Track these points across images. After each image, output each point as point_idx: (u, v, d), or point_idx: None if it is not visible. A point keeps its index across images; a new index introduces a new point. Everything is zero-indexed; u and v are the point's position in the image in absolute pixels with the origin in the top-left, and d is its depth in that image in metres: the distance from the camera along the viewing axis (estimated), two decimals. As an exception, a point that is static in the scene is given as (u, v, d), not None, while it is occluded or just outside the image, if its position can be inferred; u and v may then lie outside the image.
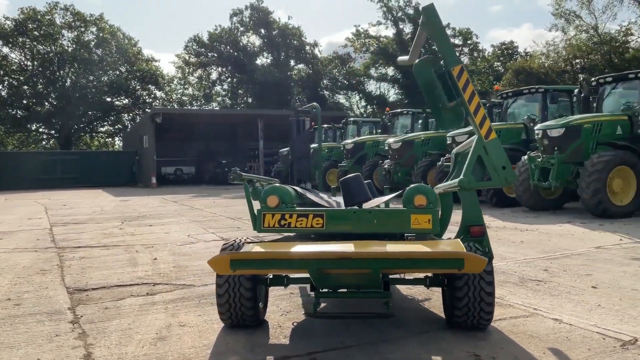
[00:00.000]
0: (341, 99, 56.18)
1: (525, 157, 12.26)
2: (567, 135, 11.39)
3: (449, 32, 52.12)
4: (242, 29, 51.89)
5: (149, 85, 53.71)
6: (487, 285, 4.25)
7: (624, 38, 42.82)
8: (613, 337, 4.19)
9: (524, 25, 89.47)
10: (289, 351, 4.02)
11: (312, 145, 11.51)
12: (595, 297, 5.34)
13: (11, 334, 4.53)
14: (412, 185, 4.22)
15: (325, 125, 26.46)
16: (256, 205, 4.64)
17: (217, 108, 52.47)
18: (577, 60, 45.14)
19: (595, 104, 12.75)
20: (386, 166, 16.92)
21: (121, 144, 54.90)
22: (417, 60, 4.45)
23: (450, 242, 3.85)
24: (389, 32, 52.21)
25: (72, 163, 34.73)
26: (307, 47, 52.89)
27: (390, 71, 52.68)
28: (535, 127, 12.34)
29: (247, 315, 4.41)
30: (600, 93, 12.69)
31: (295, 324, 4.71)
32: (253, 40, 53.18)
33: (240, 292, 4.29)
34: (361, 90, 54.22)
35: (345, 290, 3.76)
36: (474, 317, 4.27)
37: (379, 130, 22.61)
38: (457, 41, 52.78)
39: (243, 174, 4.50)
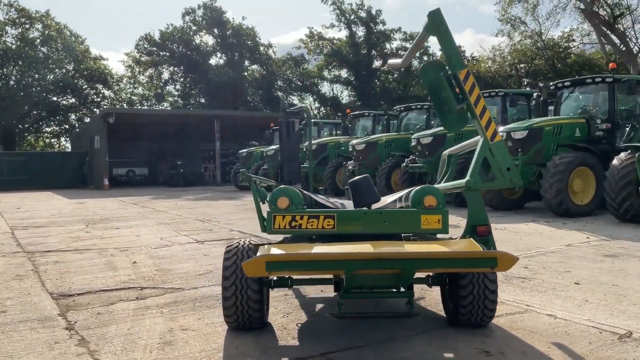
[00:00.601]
0: (295, 100, 56.13)
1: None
2: (530, 137, 11.80)
3: (399, 35, 52.96)
4: (194, 28, 51.12)
5: (97, 84, 52.16)
6: (491, 283, 4.38)
7: (566, 44, 44.67)
8: (608, 330, 4.39)
9: (466, 30, 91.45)
10: (302, 352, 4.03)
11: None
12: (580, 292, 5.57)
13: (6, 342, 4.36)
14: (419, 186, 4.29)
15: (283, 127, 26.39)
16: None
17: (169, 108, 51.47)
18: (522, 65, 46.76)
19: (553, 108, 13.27)
20: (350, 167, 17.07)
21: (68, 145, 53.21)
22: (423, 64, 4.53)
23: (463, 242, 3.95)
24: (342, 34, 52.52)
25: (19, 164, 33.36)
26: (262, 48, 52.61)
27: (344, 73, 53.05)
28: (499, 130, 12.70)
29: (254, 318, 4.39)
30: (559, 97, 13.20)
31: (299, 325, 4.72)
32: (206, 39, 52.52)
33: (248, 295, 4.27)
34: (315, 91, 54.36)
35: (370, 290, 3.79)
36: (477, 314, 4.39)
37: (339, 132, 22.75)
38: (408, 45, 53.60)
39: (252, 175, 4.48)
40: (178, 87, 52.84)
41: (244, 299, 4.28)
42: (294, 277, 4.73)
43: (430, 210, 4.09)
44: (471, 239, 4.01)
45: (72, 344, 4.30)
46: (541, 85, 13.88)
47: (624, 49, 36.18)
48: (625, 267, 6.64)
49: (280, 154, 6.34)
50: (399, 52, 53.35)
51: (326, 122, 24.42)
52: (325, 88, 55.83)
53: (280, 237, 5.24)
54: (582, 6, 37.38)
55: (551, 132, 11.94)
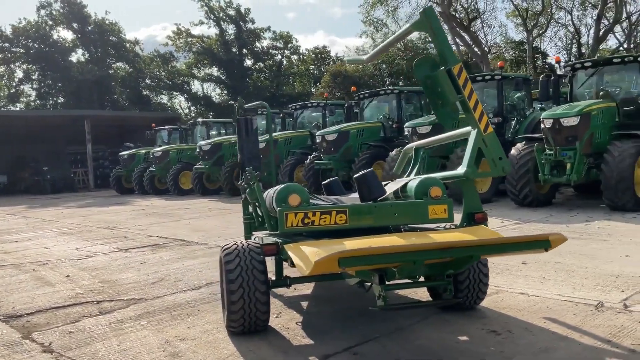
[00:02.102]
0: (165, 99, 54.22)
1: (394, 152, 13.17)
2: (434, 132, 12.46)
3: (269, 35, 53.24)
4: (51, 22, 47.16)
5: None
6: (484, 267, 4.65)
7: (424, 45, 47.65)
8: (582, 302, 4.84)
9: (318, 32, 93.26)
10: (326, 350, 3.99)
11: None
12: (533, 271, 6.06)
13: (-15, 374, 3.83)
14: (421, 178, 4.42)
15: (168, 127, 25.45)
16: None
17: (24, 109, 46.98)
18: (385, 65, 49.03)
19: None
20: (250, 166, 16.79)
21: None
22: (417, 59, 4.67)
23: (477, 228, 4.15)
24: (211, 31, 51.56)
25: None
26: (127, 45, 49.93)
27: (215, 71, 52.15)
28: (405, 125, 13.33)
29: (261, 320, 4.27)
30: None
31: (299, 324, 4.66)
32: (65, 35, 48.79)
33: (256, 297, 4.14)
34: (186, 90, 52.86)
35: (414, 280, 3.83)
36: (472, 297, 4.64)
37: (229, 131, 22.37)
38: (278, 44, 54.10)
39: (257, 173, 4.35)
40: (35, 86, 48.41)
41: (252, 301, 4.14)
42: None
43: (437, 200, 4.25)
44: (482, 225, 4.22)
45: (67, 368, 3.88)
46: None
47: (476, 49, 39.46)
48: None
49: (239, 153, 6.14)
50: (270, 50, 53.68)
51: (216, 122, 23.87)
52: (197, 87, 54.56)
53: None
54: (439, 9, 40.16)
55: (451, 126, 12.72)
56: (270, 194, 5.00)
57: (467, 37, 39.05)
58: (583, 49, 41.58)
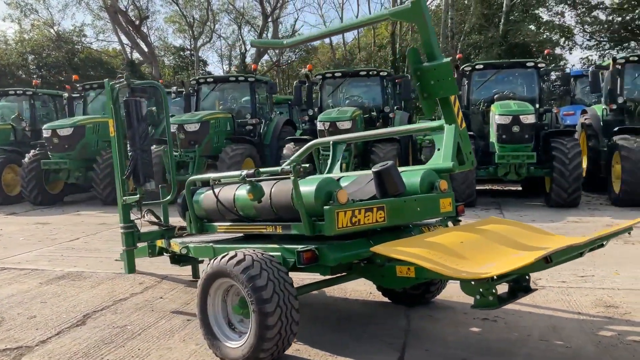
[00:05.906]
0: None
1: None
2: (202, 130, 11.86)
3: None
4: None
5: None
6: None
7: (77, 39, 44.42)
8: (500, 284, 5.41)
9: None
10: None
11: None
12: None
13: None
14: (421, 171, 4.29)
15: None
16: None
17: None
18: (33, 56, 43.94)
19: (195, 102, 13.65)
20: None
21: None
22: (410, 47, 4.48)
23: (488, 219, 4.27)
24: None
25: None
26: None
27: None
28: (171, 121, 12.21)
29: (288, 345, 3.59)
30: (198, 92, 13.65)
31: (296, 342, 3.99)
32: None
33: (292, 317, 3.48)
34: None
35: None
36: (437, 291, 4.78)
37: None
38: None
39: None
40: None
41: (289, 322, 3.47)
42: None
43: (446, 194, 4.22)
44: (493, 216, 4.35)
45: None
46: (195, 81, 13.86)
47: (146, 49, 38.71)
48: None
49: (130, 144, 4.77)
50: None
51: None
52: None
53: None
54: (101, 3, 37.68)
55: (215, 125, 12.31)
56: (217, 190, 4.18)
57: (136, 37, 37.80)
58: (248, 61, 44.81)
